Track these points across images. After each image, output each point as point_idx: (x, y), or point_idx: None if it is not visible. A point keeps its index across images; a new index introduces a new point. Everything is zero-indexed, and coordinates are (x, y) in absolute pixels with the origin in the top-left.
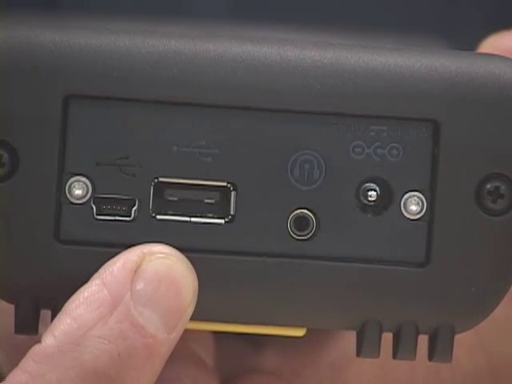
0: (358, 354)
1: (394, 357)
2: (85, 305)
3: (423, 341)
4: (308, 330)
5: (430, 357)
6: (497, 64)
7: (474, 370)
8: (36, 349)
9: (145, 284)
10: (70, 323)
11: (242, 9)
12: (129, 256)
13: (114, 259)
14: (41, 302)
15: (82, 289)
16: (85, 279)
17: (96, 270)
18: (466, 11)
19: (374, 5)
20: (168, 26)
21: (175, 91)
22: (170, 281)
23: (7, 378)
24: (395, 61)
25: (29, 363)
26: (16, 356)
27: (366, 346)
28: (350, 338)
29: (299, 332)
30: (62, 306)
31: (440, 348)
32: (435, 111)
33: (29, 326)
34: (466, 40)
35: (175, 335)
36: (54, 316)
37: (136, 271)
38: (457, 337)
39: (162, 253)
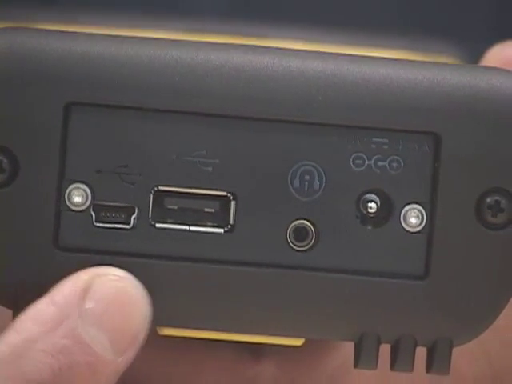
0: (356, 365)
1: (392, 368)
2: (31, 320)
3: (423, 350)
4: (306, 340)
5: (428, 369)
6: (498, 77)
7: (477, 379)
8: None
9: (94, 304)
10: (14, 336)
11: (240, 6)
12: (81, 275)
13: (67, 278)
14: None
15: (30, 306)
16: None
17: None
18: (474, 13)
19: (379, 7)
20: (166, 22)
21: (176, 100)
22: (121, 304)
23: None
24: (397, 73)
25: None
26: None
27: (363, 357)
28: (348, 348)
29: (297, 341)
30: None
31: (438, 361)
32: (436, 124)
33: None
34: (474, 42)
35: (124, 360)
36: None
37: (87, 291)
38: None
39: (115, 275)
